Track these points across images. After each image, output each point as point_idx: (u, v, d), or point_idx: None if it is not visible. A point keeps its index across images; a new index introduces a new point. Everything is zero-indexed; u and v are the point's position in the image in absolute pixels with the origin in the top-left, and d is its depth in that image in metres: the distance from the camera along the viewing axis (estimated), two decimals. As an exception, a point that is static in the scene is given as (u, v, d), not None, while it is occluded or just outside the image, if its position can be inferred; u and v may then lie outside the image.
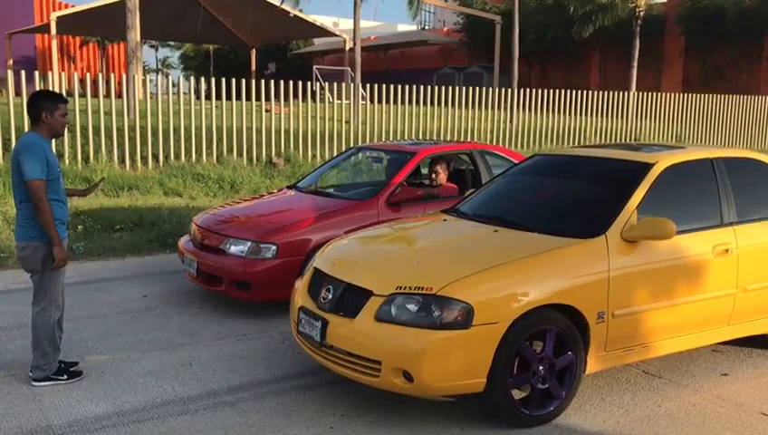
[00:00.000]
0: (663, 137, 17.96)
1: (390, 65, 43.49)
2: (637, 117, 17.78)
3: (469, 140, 14.49)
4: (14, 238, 4.43)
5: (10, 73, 10.89)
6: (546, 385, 3.86)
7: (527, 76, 33.91)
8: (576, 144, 16.31)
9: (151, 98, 12.22)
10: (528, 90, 16.29)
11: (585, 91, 17.02)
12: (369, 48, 40.86)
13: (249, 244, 5.67)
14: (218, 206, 7.12)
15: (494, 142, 14.99)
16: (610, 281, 4.00)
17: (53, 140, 5.47)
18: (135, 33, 14.37)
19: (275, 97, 12.85)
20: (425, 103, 14.65)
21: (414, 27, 48.54)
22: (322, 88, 14.98)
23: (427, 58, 42.07)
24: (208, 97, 12.35)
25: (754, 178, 4.97)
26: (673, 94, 18.61)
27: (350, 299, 3.92)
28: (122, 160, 11.42)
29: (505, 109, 16.12)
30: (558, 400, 3.92)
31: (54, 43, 25.30)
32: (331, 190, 7.20)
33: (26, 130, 8.10)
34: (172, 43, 53.07)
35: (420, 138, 14.09)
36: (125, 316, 5.71)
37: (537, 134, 16.20)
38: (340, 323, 3.89)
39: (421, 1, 30.50)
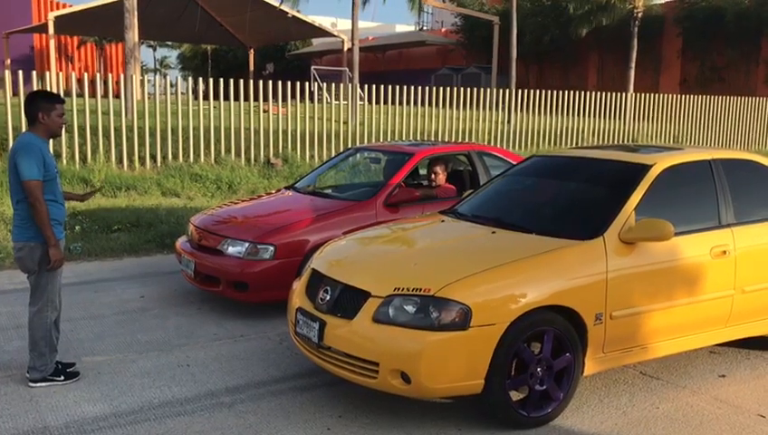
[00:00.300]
0: (661, 138, 17.98)
1: (388, 66, 43.51)
2: (634, 118, 17.80)
3: (467, 140, 14.49)
4: (11, 239, 4.43)
5: (7, 73, 10.87)
6: (544, 387, 3.86)
7: (525, 77, 33.94)
8: (574, 145, 16.32)
9: (149, 98, 12.20)
10: (526, 91, 16.30)
11: (583, 92, 17.04)
12: (368, 49, 40.89)
13: (247, 245, 5.66)
14: (216, 206, 7.11)
15: (492, 143, 14.99)
16: (608, 282, 4.00)
17: (51, 140, 5.46)
18: (133, 34, 14.34)
19: (273, 97, 12.85)
20: (423, 104, 14.66)
21: (412, 28, 48.59)
22: (320, 88, 14.99)
23: (425, 59, 42.10)
24: (206, 97, 12.33)
25: (752, 180, 4.97)
26: (671, 95, 18.63)
27: (348, 300, 3.92)
28: (120, 161, 11.41)
29: (503, 110, 16.13)
30: (556, 401, 3.92)
31: (52, 43, 25.25)
32: (329, 191, 7.20)
33: (24, 130, 8.08)
34: (170, 43, 53.03)
35: (418, 138, 14.09)
36: (122, 317, 5.70)
37: (535, 135, 16.20)
38: (338, 324, 3.88)
39: (422, 2, 30.48)
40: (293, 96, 13.12)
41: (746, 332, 4.79)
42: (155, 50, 58.32)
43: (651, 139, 17.77)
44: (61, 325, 4.53)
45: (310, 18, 30.16)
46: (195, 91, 12.14)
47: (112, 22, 21.57)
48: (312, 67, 33.57)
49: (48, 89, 10.58)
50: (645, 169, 4.49)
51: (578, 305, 3.89)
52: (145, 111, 11.82)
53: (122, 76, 12.05)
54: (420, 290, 3.71)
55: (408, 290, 3.74)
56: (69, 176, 10.29)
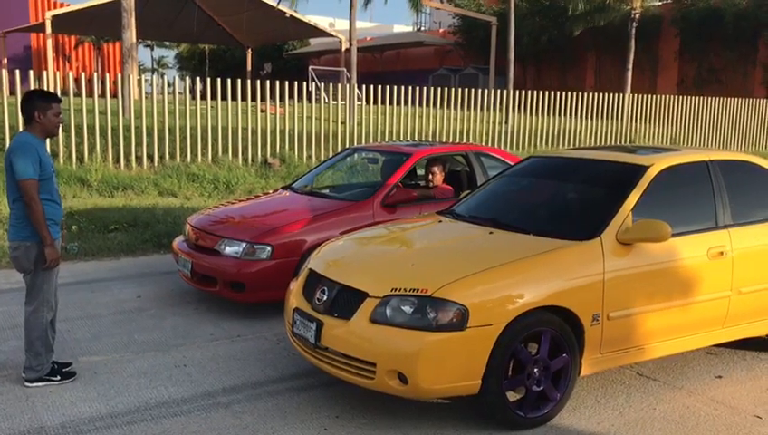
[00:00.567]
0: (658, 139, 18.01)
1: (386, 66, 43.52)
2: (631, 119, 17.82)
3: (465, 141, 14.50)
4: (7, 238, 4.42)
5: (4, 72, 10.84)
6: (541, 387, 3.86)
7: (522, 78, 33.99)
8: (571, 146, 16.34)
9: (146, 98, 12.14)
10: (523, 91, 16.31)
11: (580, 94, 17.05)
12: (365, 49, 40.89)
13: (244, 245, 5.65)
14: (213, 206, 7.10)
15: (490, 144, 15.00)
16: (605, 283, 4.00)
17: (48, 140, 5.44)
18: (130, 33, 14.33)
19: (271, 97, 12.84)
20: (420, 104, 14.66)
21: (410, 28, 48.61)
22: (318, 88, 14.98)
23: (423, 59, 42.13)
24: (204, 97, 12.32)
25: (749, 181, 4.98)
26: (668, 96, 18.66)
27: (345, 300, 3.91)
28: (117, 160, 11.39)
29: (501, 110, 16.14)
30: (553, 402, 3.92)
31: (49, 43, 25.22)
32: (326, 191, 7.19)
33: (20, 129, 8.06)
34: (168, 43, 52.99)
35: (416, 139, 14.09)
36: (119, 317, 5.68)
37: (532, 136, 16.22)
38: (335, 324, 3.88)
39: (421, 2, 30.50)
40: (291, 96, 13.12)
41: (743, 333, 4.79)
42: (152, 50, 58.29)
43: (648, 140, 17.79)
44: (57, 325, 4.52)
45: (307, 18, 30.18)
46: (192, 91, 12.15)
47: (110, 21, 21.59)
48: (310, 67, 33.60)
49: (45, 88, 10.55)
50: (642, 169, 4.49)
51: (575, 306, 3.89)
52: (142, 111, 11.80)
53: (119, 76, 12.06)
54: (417, 290, 3.71)
55: (405, 290, 3.74)
56: (66, 175, 10.27)
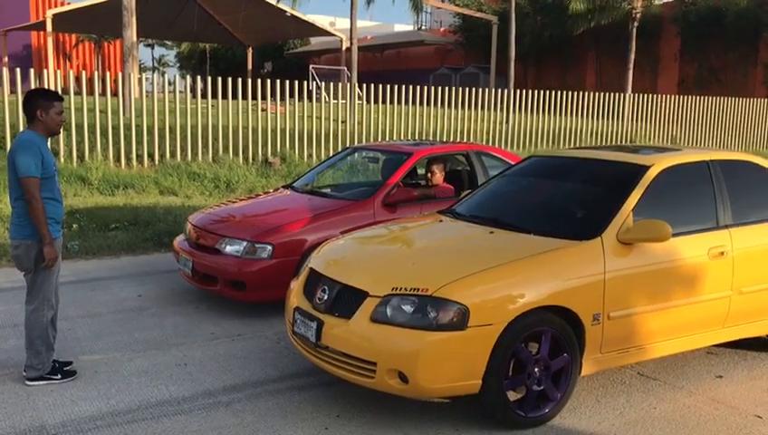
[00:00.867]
0: (659, 139, 18.00)
1: (387, 65, 43.52)
2: (632, 119, 17.82)
3: (465, 140, 14.49)
4: (9, 237, 4.42)
5: (5, 71, 10.84)
6: (541, 387, 3.86)
7: (523, 77, 33.96)
8: (572, 145, 16.34)
9: (147, 96, 12.15)
10: (524, 91, 16.31)
11: (581, 93, 17.05)
12: (366, 48, 40.89)
13: (244, 244, 5.66)
14: (214, 205, 7.10)
15: (491, 143, 14.99)
16: (606, 283, 4.00)
17: (49, 139, 5.45)
18: (131, 32, 14.33)
19: (272, 96, 12.83)
20: (421, 104, 14.65)
21: (410, 27, 48.56)
22: (319, 87, 14.98)
23: (424, 58, 42.13)
24: (204, 96, 12.32)
25: (750, 181, 4.98)
26: (669, 96, 18.65)
27: (346, 300, 3.92)
28: (118, 159, 11.39)
29: (502, 110, 16.14)
30: (553, 401, 3.92)
31: (50, 41, 25.22)
32: (327, 190, 7.20)
33: (22, 127, 8.08)
34: (168, 41, 52.99)
35: (416, 138, 14.09)
36: (119, 315, 5.69)
37: (533, 135, 16.22)
38: (336, 323, 3.88)
39: (422, 1, 30.48)
40: (292, 95, 13.11)
41: (744, 333, 4.80)
42: (153, 48, 58.33)
43: (649, 140, 17.78)
44: (58, 324, 4.52)
45: (308, 17, 30.16)
46: (193, 90, 12.15)
47: (110, 20, 21.57)
48: (311, 66, 33.60)
49: (46, 87, 10.56)
50: (643, 169, 4.49)
51: (575, 306, 3.90)
52: (143, 110, 11.80)
53: (120, 74, 12.05)
54: (418, 290, 3.71)
55: (405, 290, 3.74)
56: (66, 174, 10.27)
